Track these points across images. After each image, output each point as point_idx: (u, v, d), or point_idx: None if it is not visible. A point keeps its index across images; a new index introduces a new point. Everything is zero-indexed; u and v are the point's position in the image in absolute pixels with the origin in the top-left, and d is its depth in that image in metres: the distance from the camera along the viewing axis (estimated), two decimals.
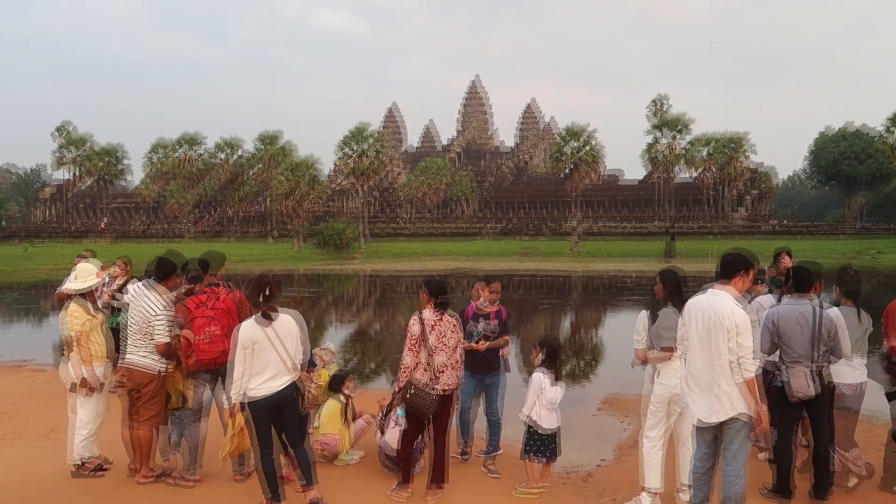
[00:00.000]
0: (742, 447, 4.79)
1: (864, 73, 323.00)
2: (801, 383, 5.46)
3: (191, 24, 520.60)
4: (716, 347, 4.69)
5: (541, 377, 5.96)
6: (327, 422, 6.71)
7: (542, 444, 5.95)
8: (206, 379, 6.14)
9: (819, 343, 5.55)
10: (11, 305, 24.68)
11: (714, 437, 4.89)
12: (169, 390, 6.05)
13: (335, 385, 6.95)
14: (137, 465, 6.03)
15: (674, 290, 5.61)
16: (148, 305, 5.92)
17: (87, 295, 6.32)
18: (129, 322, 6.03)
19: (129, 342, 5.99)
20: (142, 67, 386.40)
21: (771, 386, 5.71)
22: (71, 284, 6.37)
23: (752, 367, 4.65)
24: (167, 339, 5.92)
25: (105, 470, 6.20)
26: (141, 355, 5.94)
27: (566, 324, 19.43)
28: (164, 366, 5.99)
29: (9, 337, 16.20)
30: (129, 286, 6.43)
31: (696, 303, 4.92)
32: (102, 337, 6.27)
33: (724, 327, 4.64)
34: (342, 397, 6.87)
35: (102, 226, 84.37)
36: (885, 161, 75.92)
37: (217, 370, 6.03)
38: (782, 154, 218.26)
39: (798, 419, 5.84)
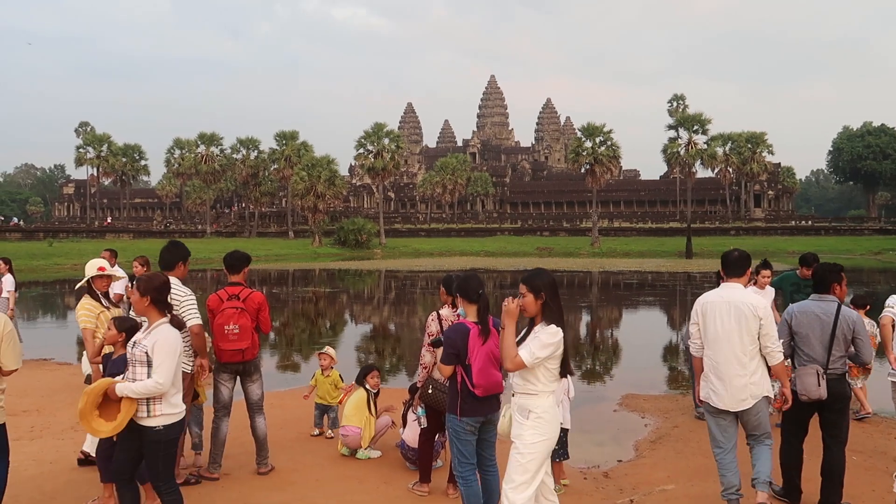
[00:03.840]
0: (766, 423, 5.12)
1: (884, 71, 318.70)
2: (811, 382, 5.20)
3: (213, 20, 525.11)
4: (749, 337, 4.98)
5: None
6: (352, 412, 6.72)
7: None
8: (226, 378, 6.06)
9: (834, 345, 5.31)
10: (37, 301, 25.04)
11: (730, 422, 5.16)
12: (196, 387, 5.86)
13: (360, 376, 7.03)
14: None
15: (552, 299, 4.18)
16: (173, 293, 5.72)
17: (94, 287, 6.11)
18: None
19: None
20: (163, 65, 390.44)
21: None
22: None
23: (780, 351, 5.05)
24: (200, 321, 5.62)
25: None
26: None
27: (583, 322, 19.40)
28: (192, 365, 5.67)
29: (34, 332, 16.44)
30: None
31: (713, 297, 5.17)
32: None
33: (756, 317, 4.96)
34: (367, 388, 6.90)
35: (109, 220, 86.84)
36: None
37: (238, 367, 5.98)
38: (800, 152, 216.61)
39: (807, 424, 5.54)
